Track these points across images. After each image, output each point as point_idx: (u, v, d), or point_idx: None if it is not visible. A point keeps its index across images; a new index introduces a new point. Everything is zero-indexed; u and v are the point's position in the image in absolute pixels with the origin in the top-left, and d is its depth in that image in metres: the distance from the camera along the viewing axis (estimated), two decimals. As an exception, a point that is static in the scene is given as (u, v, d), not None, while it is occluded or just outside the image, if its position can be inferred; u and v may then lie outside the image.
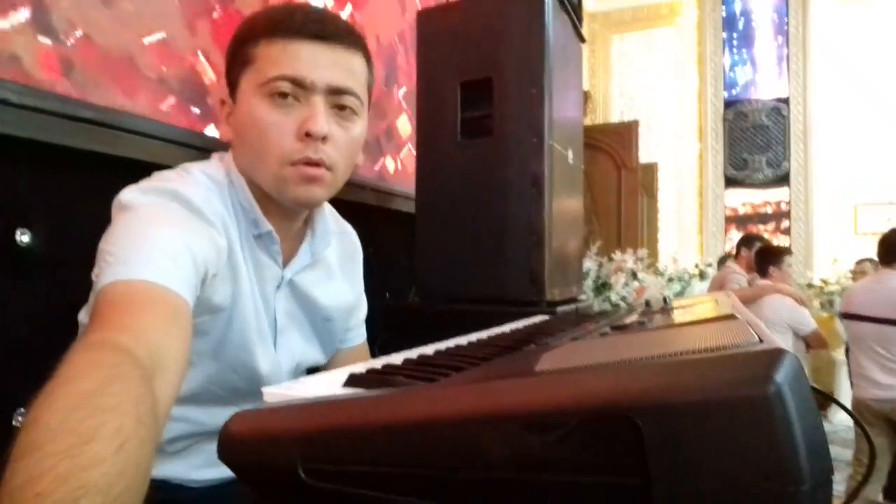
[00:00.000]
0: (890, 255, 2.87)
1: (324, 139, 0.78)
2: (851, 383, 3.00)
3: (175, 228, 0.68)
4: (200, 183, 0.78)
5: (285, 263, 0.88)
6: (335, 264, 0.98)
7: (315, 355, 0.99)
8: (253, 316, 0.82)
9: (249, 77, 0.78)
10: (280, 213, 0.85)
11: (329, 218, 0.95)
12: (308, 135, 0.77)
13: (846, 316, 2.98)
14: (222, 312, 0.78)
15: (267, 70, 0.76)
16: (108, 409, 0.39)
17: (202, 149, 1.27)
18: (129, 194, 0.71)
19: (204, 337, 0.78)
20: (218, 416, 0.73)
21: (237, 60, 0.80)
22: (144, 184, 0.74)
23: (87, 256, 0.68)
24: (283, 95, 0.77)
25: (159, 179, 0.76)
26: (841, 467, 2.99)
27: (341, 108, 0.80)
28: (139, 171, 0.82)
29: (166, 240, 0.65)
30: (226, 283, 0.78)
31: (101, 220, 0.70)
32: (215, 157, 0.87)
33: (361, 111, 0.84)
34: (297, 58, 0.76)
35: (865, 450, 2.87)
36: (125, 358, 0.47)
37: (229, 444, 0.43)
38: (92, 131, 1.05)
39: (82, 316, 0.80)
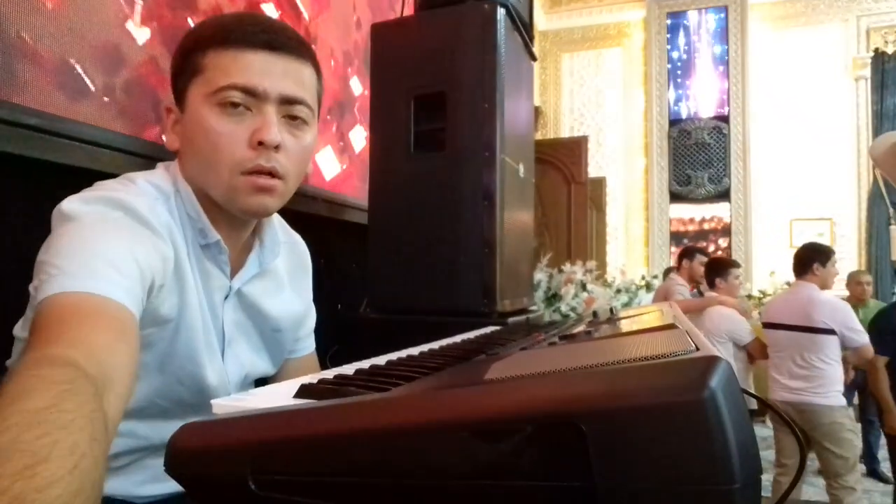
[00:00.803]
0: (802, 267, 3.05)
1: (276, 148, 0.77)
2: None
3: (120, 239, 0.66)
4: (145, 192, 0.76)
5: (233, 274, 0.86)
6: (284, 275, 0.97)
7: (264, 366, 0.97)
8: (200, 327, 0.80)
9: (198, 86, 0.77)
10: (228, 223, 0.84)
11: (277, 228, 0.94)
12: (261, 143, 0.76)
13: (766, 325, 3.12)
14: (169, 324, 0.76)
15: (217, 79, 0.75)
16: (62, 426, 0.38)
17: (148, 157, 1.24)
18: (70, 204, 0.68)
19: (150, 349, 0.76)
20: (163, 430, 0.73)
21: (185, 69, 0.79)
22: (87, 193, 0.72)
23: (27, 267, 0.65)
24: (234, 105, 0.75)
25: (102, 189, 0.74)
26: (772, 468, 3.12)
27: (293, 117, 0.80)
28: (83, 178, 0.79)
29: (112, 251, 0.63)
30: (172, 294, 0.75)
31: (42, 230, 0.68)
32: (160, 166, 0.85)
33: (312, 121, 0.83)
34: (249, 67, 0.75)
35: (785, 449, 3.01)
36: (77, 374, 0.46)
37: (177, 457, 0.42)
38: (35, 138, 1.01)
39: (18, 329, 0.77)
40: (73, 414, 0.40)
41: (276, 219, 0.95)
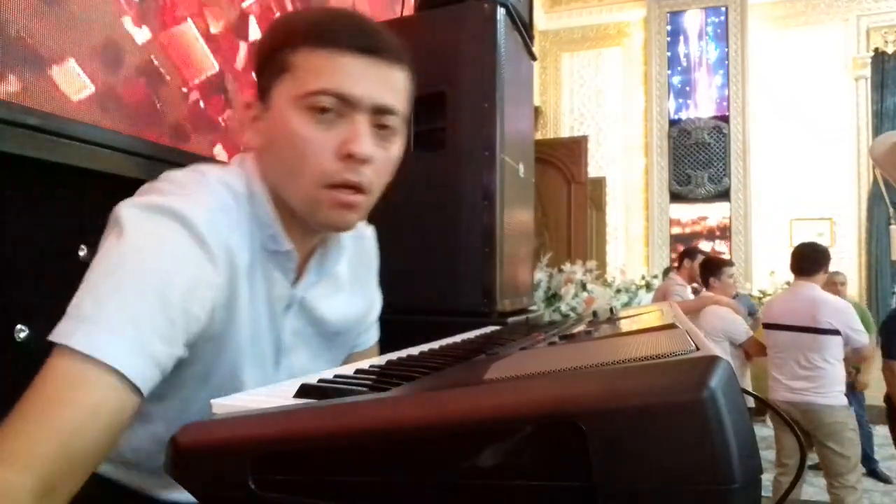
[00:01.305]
0: (811, 267, 3.05)
1: (364, 161, 0.71)
2: None
3: (166, 274, 0.62)
4: (214, 195, 0.71)
5: (296, 281, 0.81)
6: (345, 276, 0.91)
7: (323, 369, 0.91)
8: (248, 341, 0.76)
9: (286, 86, 0.71)
10: (301, 231, 0.78)
11: (343, 236, 0.87)
12: (349, 156, 0.70)
13: (767, 326, 3.12)
14: (211, 341, 0.72)
15: (308, 82, 0.69)
16: None
17: (148, 157, 1.24)
18: (128, 210, 0.64)
19: (192, 364, 0.71)
20: None
21: (272, 65, 0.73)
22: (148, 198, 0.67)
23: (27, 267, 0.65)
24: (324, 110, 0.70)
25: (168, 186, 0.70)
26: (772, 468, 3.12)
27: (383, 127, 0.74)
28: (83, 179, 0.79)
29: (148, 294, 0.60)
30: (220, 311, 0.70)
31: (42, 230, 0.68)
32: (235, 161, 0.79)
33: (402, 130, 0.78)
34: (344, 72, 0.69)
35: (785, 449, 3.01)
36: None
37: (177, 457, 0.42)
38: (35, 138, 1.01)
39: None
40: None
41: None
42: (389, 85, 0.73)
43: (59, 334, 0.57)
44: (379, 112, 0.72)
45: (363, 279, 0.97)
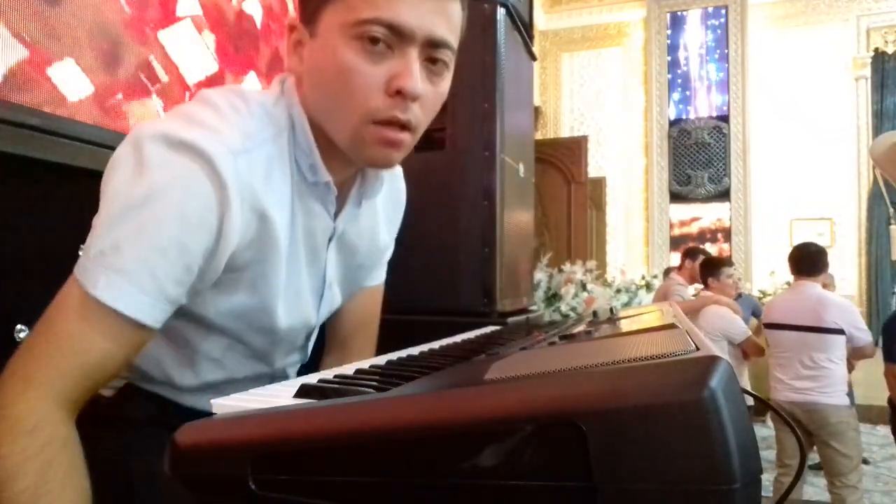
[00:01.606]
0: (813, 267, 3.04)
1: (413, 98, 0.68)
2: None
3: (187, 223, 0.63)
4: (252, 127, 0.69)
5: (336, 213, 0.80)
6: (380, 209, 0.91)
7: (341, 300, 0.92)
8: (285, 278, 0.75)
9: (336, 11, 0.67)
10: (341, 163, 0.76)
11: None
12: (399, 92, 0.67)
13: (769, 326, 3.12)
14: (244, 272, 0.72)
15: (360, 9, 0.65)
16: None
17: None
18: (152, 144, 0.63)
19: (228, 293, 0.73)
20: (249, 367, 0.84)
21: None
22: (176, 126, 0.65)
23: (27, 266, 0.65)
24: (375, 41, 0.66)
25: (200, 114, 0.68)
26: (772, 468, 3.13)
27: (434, 61, 0.70)
28: (83, 179, 0.79)
29: (168, 245, 0.62)
30: (245, 251, 0.70)
31: (42, 230, 0.68)
32: (276, 84, 0.76)
33: (451, 65, 0.73)
34: (402, 2, 0.65)
35: (787, 449, 3.01)
36: (49, 438, 0.58)
37: (178, 457, 0.42)
38: (35, 138, 1.01)
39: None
40: (49, 487, 0.57)
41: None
42: (445, 16, 0.68)
43: (83, 275, 0.62)
44: (432, 46, 0.68)
45: (391, 215, 0.97)
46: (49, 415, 0.59)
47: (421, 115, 0.71)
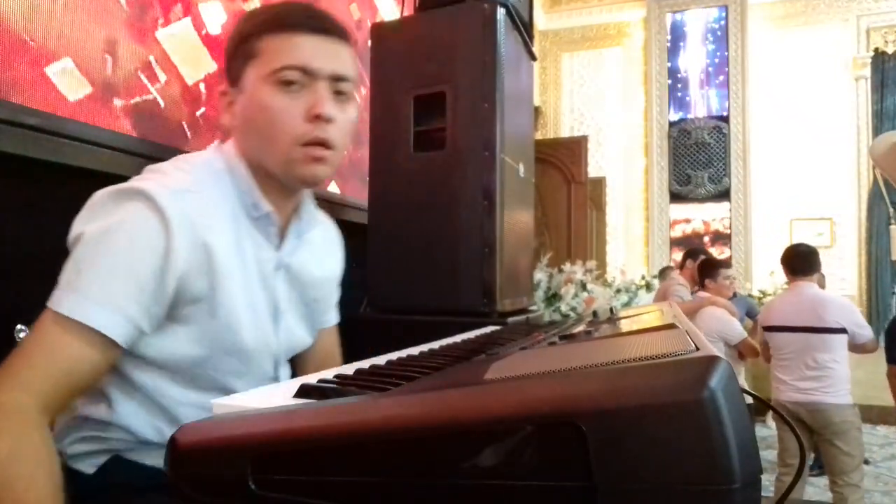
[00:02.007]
0: (808, 267, 3.04)
1: (328, 120, 0.84)
2: None
3: (133, 248, 0.74)
4: (190, 174, 0.83)
5: (279, 247, 0.92)
6: (321, 247, 1.03)
7: (304, 337, 1.01)
8: (242, 301, 0.84)
9: (256, 68, 0.84)
10: (278, 195, 0.89)
11: (310, 203, 0.99)
12: (317, 117, 0.83)
13: (769, 328, 3.11)
14: (201, 302, 0.81)
15: (274, 61, 0.82)
16: (17, 475, 0.62)
17: (149, 157, 1.24)
18: (99, 197, 0.77)
19: (189, 325, 0.81)
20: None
21: (241, 54, 0.85)
22: (123, 184, 0.78)
23: (28, 266, 0.66)
24: (290, 83, 0.82)
25: (145, 174, 0.82)
26: (772, 468, 3.12)
27: (340, 93, 0.86)
28: (83, 178, 0.79)
29: (119, 267, 0.73)
30: (201, 277, 0.80)
31: (42, 229, 0.68)
32: (211, 147, 0.91)
33: (355, 96, 0.90)
34: (302, 48, 0.83)
35: (789, 449, 3.01)
36: (23, 425, 0.66)
37: (177, 457, 0.42)
38: (35, 138, 1.01)
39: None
40: (21, 464, 0.63)
41: (311, 199, 1.01)
42: (341, 57, 0.86)
43: (52, 301, 0.72)
44: (336, 79, 0.85)
45: (332, 259, 1.08)
46: (28, 410, 0.67)
47: (337, 135, 0.86)
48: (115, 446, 0.84)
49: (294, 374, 1.05)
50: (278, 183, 0.88)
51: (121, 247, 0.74)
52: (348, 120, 0.89)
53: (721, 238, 7.01)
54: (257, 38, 0.84)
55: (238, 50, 0.86)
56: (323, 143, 0.84)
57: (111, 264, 0.73)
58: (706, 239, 7.01)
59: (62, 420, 0.87)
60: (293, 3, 0.92)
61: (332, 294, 1.09)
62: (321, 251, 1.03)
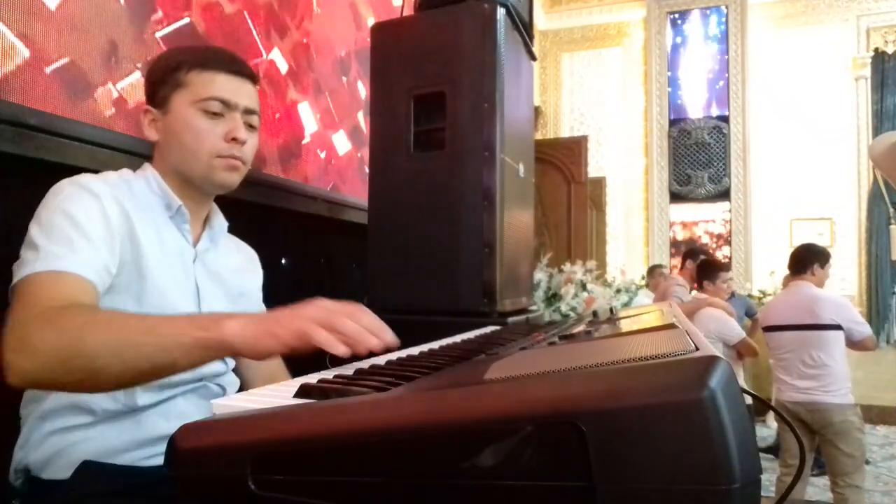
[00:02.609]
0: (800, 267, 3.06)
1: (242, 142, 1.05)
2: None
3: (81, 216, 0.88)
4: (108, 177, 0.98)
5: (194, 245, 1.08)
6: (235, 255, 1.19)
7: None
8: (169, 277, 0.99)
9: (184, 96, 1.03)
10: (190, 200, 1.07)
11: (223, 221, 1.16)
12: (234, 139, 1.04)
13: (768, 328, 3.12)
14: (127, 266, 0.94)
15: (201, 92, 1.03)
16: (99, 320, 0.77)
17: (149, 157, 1.24)
18: (57, 186, 0.91)
19: (124, 292, 0.94)
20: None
21: (168, 82, 1.03)
22: (71, 178, 0.93)
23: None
24: (213, 111, 1.03)
25: (85, 175, 0.96)
26: (772, 468, 3.12)
27: (249, 124, 1.08)
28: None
29: (72, 229, 0.86)
30: (126, 242, 0.94)
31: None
32: (124, 169, 1.06)
33: (258, 125, 1.12)
34: (225, 86, 1.04)
35: (790, 450, 3.01)
36: (85, 309, 0.80)
37: (177, 457, 0.42)
38: (35, 138, 1.01)
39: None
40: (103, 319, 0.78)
41: (226, 227, 1.18)
42: (252, 95, 1.09)
43: (25, 268, 0.82)
44: (248, 112, 1.07)
45: (249, 267, 1.23)
46: (31, 374, 0.74)
47: (247, 153, 1.08)
48: (81, 437, 0.89)
49: (241, 388, 1.15)
50: (192, 189, 1.06)
51: (72, 215, 0.87)
52: (254, 143, 1.11)
53: (721, 238, 7.00)
54: (185, 71, 1.03)
55: (165, 78, 1.03)
56: (238, 158, 1.06)
57: (66, 228, 0.86)
58: (706, 239, 7.01)
59: (24, 428, 0.92)
60: (211, 47, 1.16)
61: (258, 302, 1.22)
62: (236, 259, 1.18)
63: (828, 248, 3.21)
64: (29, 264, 0.83)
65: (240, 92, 1.06)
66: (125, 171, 1.05)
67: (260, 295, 1.24)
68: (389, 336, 0.76)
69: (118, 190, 0.97)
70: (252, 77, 1.10)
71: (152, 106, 1.06)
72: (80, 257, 0.85)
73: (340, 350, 0.72)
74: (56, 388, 0.82)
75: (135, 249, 0.96)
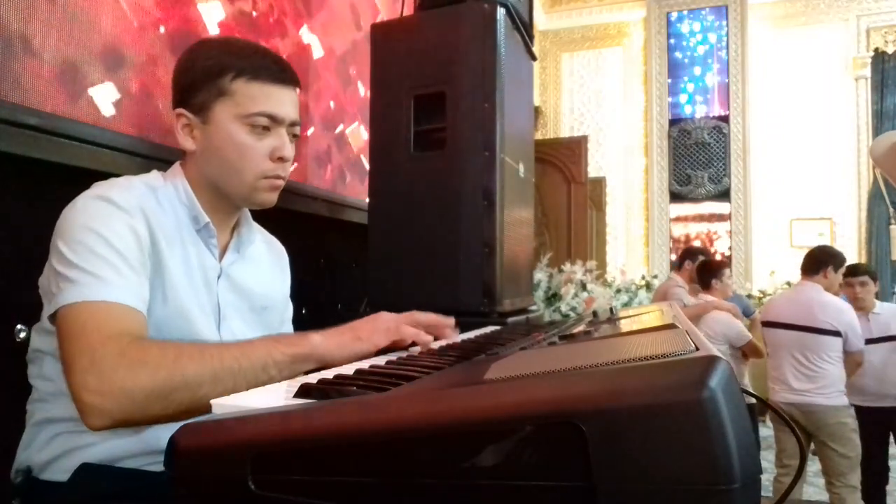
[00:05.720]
0: (813, 267, 3.05)
1: (289, 161, 1.00)
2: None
3: (110, 235, 0.84)
4: (132, 186, 0.92)
5: (220, 258, 1.03)
6: (265, 261, 1.13)
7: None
8: (190, 298, 0.94)
9: (228, 107, 0.95)
10: (220, 212, 1.01)
11: (252, 223, 1.11)
12: (280, 159, 0.98)
13: (767, 324, 3.12)
14: (153, 290, 0.90)
15: (249, 106, 0.95)
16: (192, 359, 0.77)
17: (148, 157, 1.24)
18: (81, 202, 0.86)
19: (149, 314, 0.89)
20: None
21: (208, 88, 0.95)
22: (90, 191, 0.88)
23: (28, 266, 0.65)
24: (259, 126, 0.95)
25: (103, 184, 0.91)
26: (772, 468, 3.13)
27: (294, 135, 1.01)
28: (83, 178, 0.79)
29: (106, 252, 0.82)
30: (148, 260, 0.90)
31: (42, 230, 0.68)
32: (157, 172, 1.01)
33: (300, 135, 1.05)
34: (274, 99, 0.96)
35: (786, 450, 3.01)
36: (166, 343, 0.82)
37: (177, 457, 0.42)
38: (35, 138, 1.01)
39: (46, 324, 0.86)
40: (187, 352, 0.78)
41: (253, 221, 1.12)
42: (297, 105, 1.01)
43: (68, 294, 0.79)
44: (293, 125, 1.00)
45: (280, 273, 1.18)
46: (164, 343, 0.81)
47: (289, 169, 1.02)
48: (87, 441, 0.86)
49: None
50: (226, 203, 1.01)
51: (102, 236, 0.83)
52: (293, 155, 1.04)
53: (721, 238, 7.00)
54: (229, 78, 0.94)
55: (204, 83, 0.95)
56: (282, 178, 1.01)
57: (99, 252, 0.82)
58: (706, 239, 7.01)
59: (29, 427, 0.90)
60: (259, 48, 1.04)
61: (285, 308, 1.18)
62: (265, 266, 1.13)
63: (840, 252, 3.20)
64: (71, 290, 0.80)
65: (288, 104, 0.98)
66: (152, 177, 0.98)
67: (287, 304, 1.19)
68: (452, 321, 0.96)
69: (145, 200, 0.92)
70: (297, 83, 1.01)
71: (188, 111, 0.96)
72: (128, 285, 0.83)
73: (427, 338, 0.87)
74: (146, 423, 0.79)
75: (159, 269, 0.91)
